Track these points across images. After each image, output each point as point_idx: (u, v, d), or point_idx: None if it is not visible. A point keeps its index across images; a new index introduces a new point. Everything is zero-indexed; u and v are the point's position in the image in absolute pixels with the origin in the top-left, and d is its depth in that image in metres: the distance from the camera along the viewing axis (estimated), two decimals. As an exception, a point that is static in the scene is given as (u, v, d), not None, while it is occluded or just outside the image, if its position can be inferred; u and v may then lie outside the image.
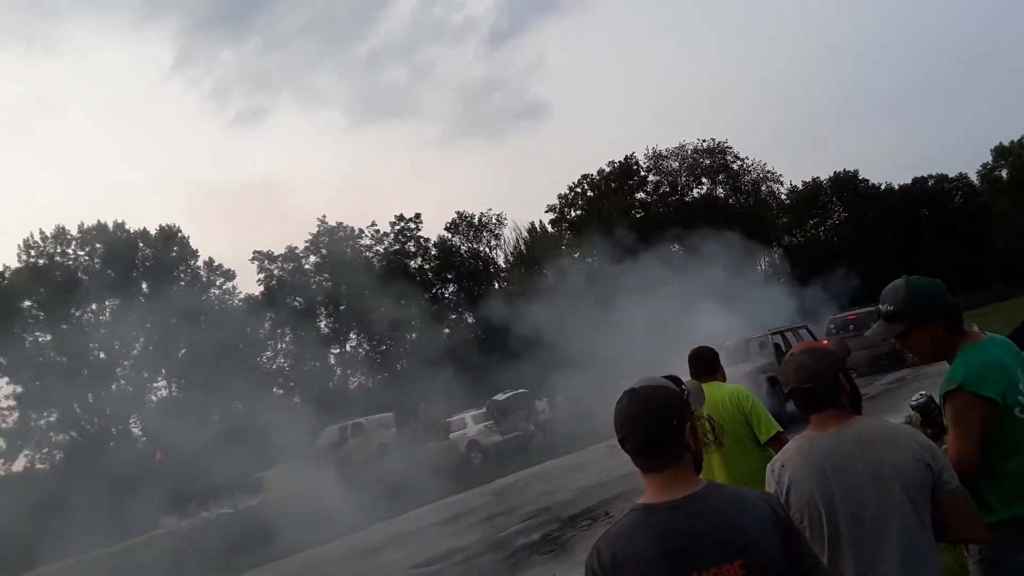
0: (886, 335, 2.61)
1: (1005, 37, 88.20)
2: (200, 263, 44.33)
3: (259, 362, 41.94)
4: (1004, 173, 62.29)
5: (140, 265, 41.70)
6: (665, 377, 1.98)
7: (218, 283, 44.87)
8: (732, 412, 4.22)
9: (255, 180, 68.55)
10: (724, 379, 4.57)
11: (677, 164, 55.86)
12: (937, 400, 2.58)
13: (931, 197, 57.40)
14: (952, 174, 59.84)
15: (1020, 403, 2.41)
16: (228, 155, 69.03)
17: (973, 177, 61.40)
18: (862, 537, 2.20)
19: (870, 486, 2.19)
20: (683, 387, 1.96)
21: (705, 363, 4.47)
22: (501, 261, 51.10)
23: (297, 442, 24.79)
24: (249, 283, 56.57)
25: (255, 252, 46.37)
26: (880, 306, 2.62)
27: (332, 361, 46.18)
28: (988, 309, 29.86)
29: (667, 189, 54.63)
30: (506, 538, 11.34)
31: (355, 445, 23.12)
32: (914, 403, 2.69)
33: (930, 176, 59.40)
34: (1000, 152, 62.54)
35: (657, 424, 1.85)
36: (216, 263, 44.60)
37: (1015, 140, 62.43)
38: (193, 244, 44.02)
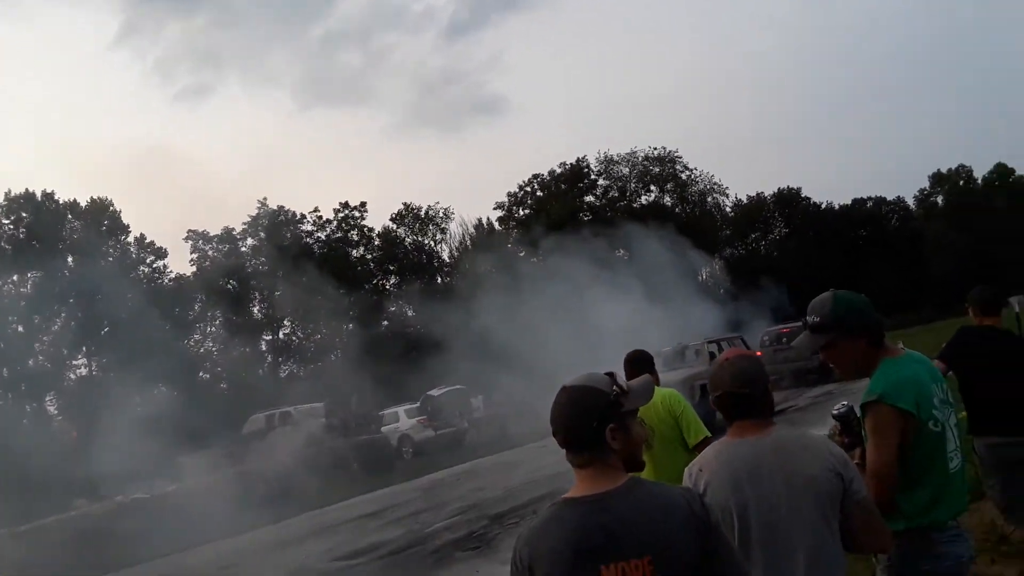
0: (812, 345, 2.70)
1: (948, 67, 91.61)
2: (131, 239, 42.88)
3: (186, 344, 40.68)
4: (940, 199, 64.62)
5: (67, 238, 40.01)
6: (604, 374, 2.02)
7: (148, 261, 43.48)
8: (663, 415, 4.31)
9: (196, 158, 66.73)
10: (658, 383, 4.55)
11: (627, 170, 56.42)
12: (858, 411, 2.66)
13: (869, 219, 59.21)
14: (890, 197, 61.82)
15: (934, 417, 2.55)
16: (169, 131, 67.04)
17: (910, 201, 63.54)
18: (772, 543, 2.27)
19: (783, 494, 2.26)
20: (615, 387, 1.97)
21: (639, 366, 4.55)
22: (446, 256, 50.71)
23: (221, 428, 24.06)
24: (181, 263, 54.90)
25: (190, 231, 45.06)
26: (807, 317, 2.72)
27: (263, 348, 45.10)
28: (917, 330, 30.74)
29: (616, 194, 55.02)
30: (431, 534, 11.11)
31: (282, 434, 22.44)
32: (835, 412, 2.73)
33: (869, 198, 61.29)
34: (937, 179, 64.89)
35: (578, 422, 1.92)
36: (148, 240, 43.23)
37: (952, 168, 64.90)
38: (125, 219, 42.59)
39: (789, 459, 2.28)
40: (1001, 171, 63.98)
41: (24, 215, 39.34)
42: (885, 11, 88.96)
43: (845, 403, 2.72)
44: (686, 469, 2.47)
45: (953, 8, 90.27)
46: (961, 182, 64.35)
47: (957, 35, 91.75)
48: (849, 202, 60.38)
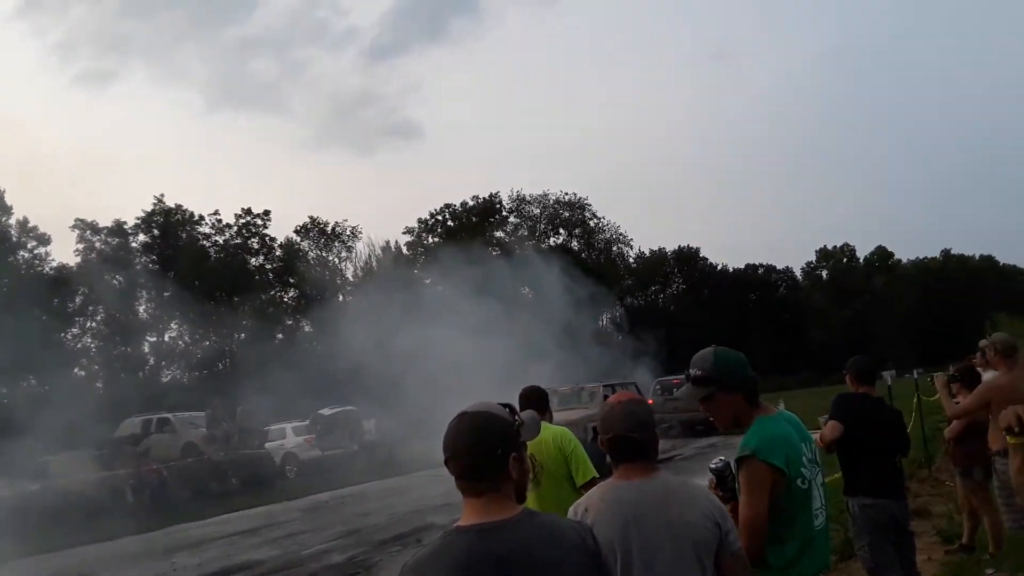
0: (693, 396, 2.80)
1: (845, 148, 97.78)
2: (12, 221, 40.30)
3: (63, 338, 38.38)
4: (824, 273, 68.60)
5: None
6: (500, 404, 1.99)
7: (30, 246, 40.91)
8: (554, 453, 4.31)
9: (90, 147, 63.64)
10: (551, 420, 4.66)
11: (539, 211, 57.32)
12: (733, 466, 2.74)
13: (760, 284, 62.18)
14: (780, 266, 65.20)
15: (802, 475, 2.65)
16: (64, 115, 63.75)
17: (797, 272, 67.19)
18: None
19: (666, 538, 2.29)
20: (516, 417, 1.96)
21: (535, 402, 4.56)
22: (349, 275, 49.94)
23: (93, 429, 22.75)
24: (65, 252, 51.92)
25: (77, 220, 42.74)
26: (690, 371, 2.81)
27: (146, 349, 43.04)
28: (797, 392, 32.31)
29: (526, 233, 55.77)
30: (309, 556, 10.81)
31: (157, 440, 21.43)
32: (712, 466, 2.82)
33: (761, 265, 64.47)
34: (823, 254, 69.02)
35: (481, 449, 1.86)
36: (31, 225, 40.73)
37: (837, 245, 69.12)
38: (8, 200, 39.99)
39: (672, 504, 2.33)
40: (881, 253, 68.67)
41: None
42: (799, 85, 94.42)
43: (722, 458, 2.80)
44: (571, 507, 2.49)
45: (857, 91, 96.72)
46: (844, 259, 68.64)
47: (858, 118, 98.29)
48: (743, 266, 63.39)
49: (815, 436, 4.55)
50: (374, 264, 46.58)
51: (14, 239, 40.30)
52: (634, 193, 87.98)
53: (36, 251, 41.10)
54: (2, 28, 61.66)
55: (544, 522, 1.88)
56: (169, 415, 23.16)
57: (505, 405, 2.00)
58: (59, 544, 14.38)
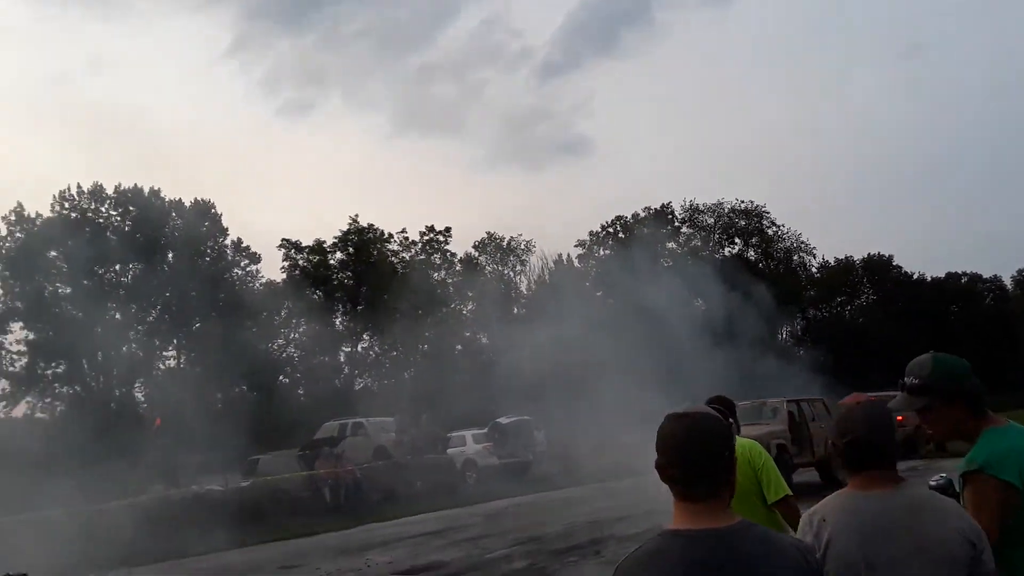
0: (908, 407, 2.58)
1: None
2: (228, 242, 44.73)
3: (270, 348, 42.05)
4: (1039, 281, 61.76)
5: (169, 234, 42.04)
6: (712, 406, 1.96)
7: (242, 264, 45.20)
8: (743, 467, 4.01)
9: (293, 172, 69.34)
10: (739, 432, 4.43)
11: (712, 220, 55.86)
12: (957, 484, 2.52)
13: (962, 295, 56.94)
14: (986, 274, 59.41)
15: None
16: (270, 143, 69.84)
17: (1007, 280, 60.90)
18: None
19: (914, 557, 2.13)
20: (729, 419, 1.88)
21: (721, 413, 4.43)
22: (523, 288, 51.13)
23: (295, 432, 24.84)
24: (272, 269, 56.86)
25: (283, 240, 46.77)
26: (905, 379, 2.59)
27: (342, 359, 46.22)
28: (1017, 413, 29.39)
29: (699, 243, 54.56)
30: (491, 560, 11.24)
31: (352, 444, 23.03)
32: (933, 484, 2.60)
33: (964, 273, 59.00)
34: (1037, 260, 62.11)
35: (707, 451, 1.77)
36: (244, 244, 45.00)
37: (1054, 250, 61.94)
38: (224, 223, 44.46)
39: (921, 520, 2.16)
40: (1110, 258, 60.86)
41: (131, 209, 41.52)
42: (1004, 76, 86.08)
43: (943, 475, 2.61)
44: (806, 516, 2.33)
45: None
46: (1062, 265, 61.40)
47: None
48: (942, 275, 58.30)
49: None
50: (547, 277, 47.40)
51: (230, 258, 44.77)
52: (817, 199, 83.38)
53: (248, 268, 45.46)
54: (216, 66, 68.75)
55: (763, 535, 1.79)
56: (363, 420, 24.81)
57: (716, 406, 1.96)
58: (265, 537, 15.85)
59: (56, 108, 56.92)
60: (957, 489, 2.51)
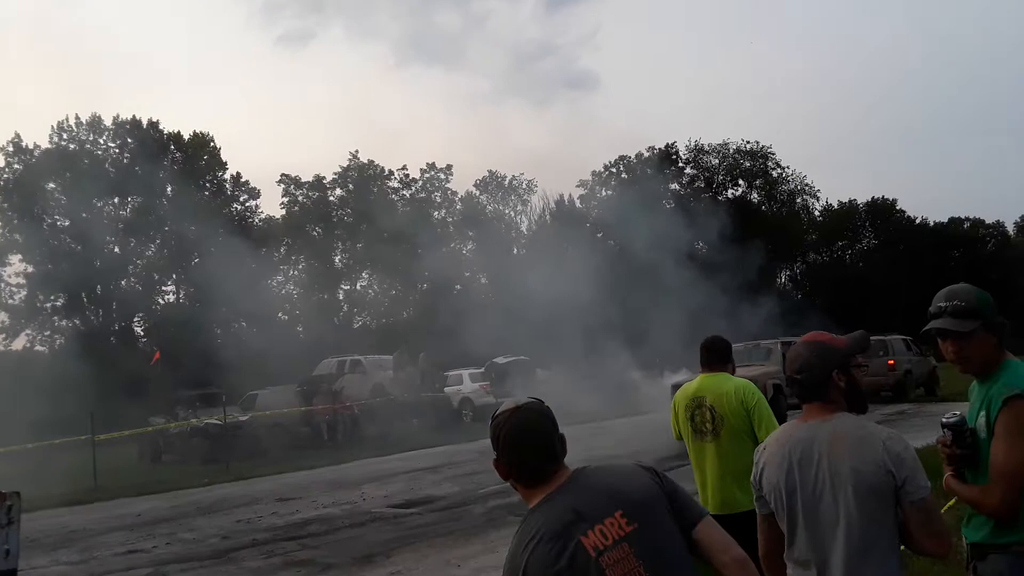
0: (959, 328, 2.52)
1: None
2: (228, 176, 44.35)
3: (269, 284, 42.10)
4: (1043, 227, 61.51)
5: (168, 168, 41.69)
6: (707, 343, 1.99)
7: (242, 199, 44.93)
8: (735, 406, 4.18)
9: (293, 103, 68.44)
10: (734, 372, 4.48)
11: (717, 161, 55.27)
12: (971, 421, 2.52)
13: (965, 240, 56.72)
14: (989, 220, 59.09)
15: None
16: (269, 73, 68.79)
17: (1009, 227, 60.60)
18: (815, 529, 2.28)
19: (827, 482, 2.26)
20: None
21: (717, 353, 4.42)
22: (524, 228, 50.92)
23: (294, 369, 25.01)
24: (272, 205, 56.66)
25: (283, 175, 46.39)
26: (945, 303, 2.56)
27: (340, 297, 46.32)
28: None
29: (702, 184, 54.08)
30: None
31: (350, 380, 23.23)
32: (946, 421, 2.57)
33: (967, 219, 58.72)
34: (1042, 206, 61.72)
35: (549, 438, 1.95)
36: (243, 179, 44.65)
37: (1059, 196, 61.48)
38: (223, 156, 44.04)
39: (839, 448, 2.26)
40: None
41: (130, 141, 41.04)
42: (1013, 15, 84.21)
43: (957, 412, 2.59)
44: (757, 447, 2.51)
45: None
46: (1069, 212, 61.08)
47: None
48: (945, 220, 57.98)
49: None
50: (547, 218, 47.16)
51: (228, 192, 44.45)
52: (824, 140, 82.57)
53: (247, 204, 45.18)
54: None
55: (600, 466, 1.99)
56: (361, 357, 24.98)
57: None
58: (263, 471, 16.08)
59: (52, 36, 55.81)
60: (971, 424, 2.51)
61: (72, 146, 39.69)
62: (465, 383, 25.25)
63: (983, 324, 2.51)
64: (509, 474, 1.96)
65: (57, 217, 37.76)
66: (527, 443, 1.93)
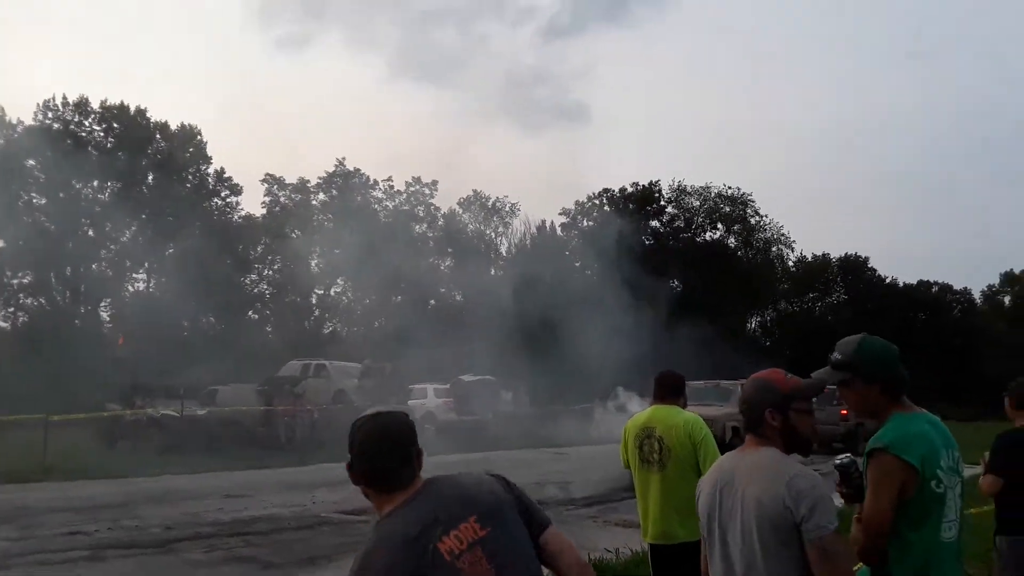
0: (828, 380, 2.68)
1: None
2: (211, 171, 44.13)
3: (242, 282, 41.81)
4: (1007, 299, 62.82)
5: (152, 156, 41.40)
6: (662, 377, 2.07)
7: (223, 195, 44.69)
8: (683, 439, 4.29)
9: (284, 106, 68.40)
10: (685, 406, 4.60)
11: (698, 203, 55.90)
12: (859, 464, 2.63)
13: (931, 303, 57.75)
14: (957, 286, 60.23)
15: (938, 477, 2.47)
16: (263, 74, 68.73)
17: (976, 295, 61.81)
18: (725, 551, 2.40)
19: (738, 511, 2.36)
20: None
21: (670, 387, 4.54)
22: (503, 250, 51.10)
23: (259, 368, 24.86)
24: (253, 204, 56.41)
25: (267, 175, 46.26)
26: (832, 354, 2.72)
27: (313, 301, 46.09)
28: (963, 425, 29.87)
29: (682, 224, 54.65)
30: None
31: (314, 384, 23.10)
32: (837, 462, 2.70)
33: (935, 283, 59.78)
34: (1009, 279, 63.09)
35: (407, 445, 2.01)
36: (226, 175, 44.45)
37: (1024, 270, 62.90)
38: (209, 151, 43.83)
39: (751, 479, 2.36)
40: (1078, 283, 61.99)
41: (116, 126, 40.81)
42: (995, 88, 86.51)
43: (848, 455, 2.71)
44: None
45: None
46: (1033, 287, 62.50)
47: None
48: (914, 282, 59.06)
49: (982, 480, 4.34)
50: (527, 243, 47.39)
51: (210, 187, 44.19)
52: (802, 193, 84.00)
53: (228, 199, 44.90)
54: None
55: (452, 475, 2.06)
56: (326, 362, 24.83)
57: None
58: (216, 467, 15.93)
59: (46, 16, 55.56)
60: (860, 469, 2.60)
61: (56, 125, 39.33)
62: (429, 397, 25.18)
63: (858, 375, 2.62)
64: (363, 478, 1.99)
65: (34, 195, 37.31)
66: (384, 447, 1.97)
